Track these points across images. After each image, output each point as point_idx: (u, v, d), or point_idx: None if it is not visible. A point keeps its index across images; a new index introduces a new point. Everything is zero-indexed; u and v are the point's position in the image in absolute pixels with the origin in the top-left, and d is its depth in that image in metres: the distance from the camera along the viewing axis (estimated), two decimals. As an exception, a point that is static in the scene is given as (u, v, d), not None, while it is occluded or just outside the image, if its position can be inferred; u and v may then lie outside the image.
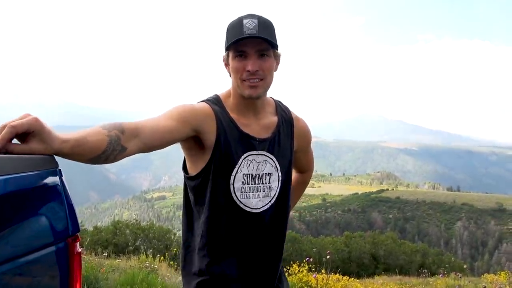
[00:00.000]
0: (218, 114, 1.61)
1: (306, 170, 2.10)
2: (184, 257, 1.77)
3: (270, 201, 1.70)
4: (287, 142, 1.76)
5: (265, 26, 1.56)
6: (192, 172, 1.66)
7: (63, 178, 1.21)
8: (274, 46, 1.57)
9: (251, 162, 1.64)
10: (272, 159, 1.69)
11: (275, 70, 1.64)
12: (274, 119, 1.75)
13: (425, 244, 42.63)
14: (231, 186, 1.61)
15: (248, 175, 1.64)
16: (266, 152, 1.68)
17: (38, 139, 1.11)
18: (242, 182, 1.63)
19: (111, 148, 1.31)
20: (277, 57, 1.63)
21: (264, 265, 1.73)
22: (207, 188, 1.62)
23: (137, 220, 25.05)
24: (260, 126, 1.70)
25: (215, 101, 1.67)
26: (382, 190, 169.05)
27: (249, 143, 1.64)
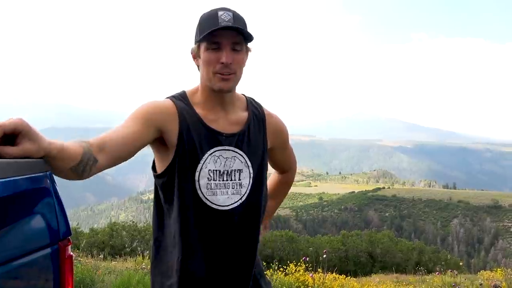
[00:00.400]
0: (182, 111, 1.58)
1: (287, 169, 2.01)
2: (155, 256, 1.72)
3: (240, 198, 1.64)
4: (259, 138, 1.71)
5: (240, 19, 1.53)
6: (159, 170, 1.63)
7: (54, 181, 1.20)
8: (250, 38, 1.54)
9: (218, 158, 1.60)
10: (241, 155, 1.64)
11: (244, 65, 1.61)
12: (244, 114, 1.69)
13: (422, 242, 42.90)
14: (197, 183, 1.57)
15: (215, 171, 1.59)
16: (234, 147, 1.62)
17: (28, 139, 1.10)
18: (208, 178, 1.58)
19: (86, 157, 1.30)
20: (247, 52, 1.59)
21: (235, 265, 1.67)
22: (174, 186, 1.58)
23: (133, 222, 25.05)
24: (229, 121, 1.65)
25: (181, 97, 1.63)
26: (379, 189, 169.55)
27: (215, 139, 1.59)
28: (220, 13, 1.51)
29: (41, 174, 1.12)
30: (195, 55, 1.60)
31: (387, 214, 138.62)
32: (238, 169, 1.63)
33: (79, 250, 12.08)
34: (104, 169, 1.41)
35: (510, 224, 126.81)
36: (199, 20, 1.57)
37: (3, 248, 1.00)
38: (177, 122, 1.56)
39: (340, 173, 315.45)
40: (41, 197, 1.15)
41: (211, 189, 1.58)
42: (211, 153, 1.58)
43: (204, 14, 1.57)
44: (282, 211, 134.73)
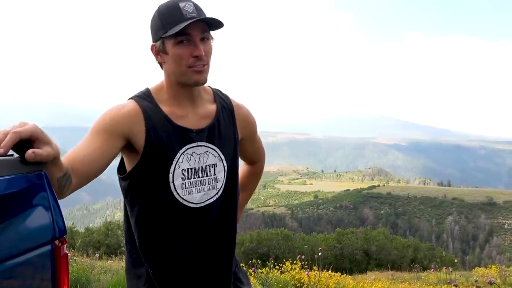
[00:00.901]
0: (147, 111, 1.51)
1: (255, 161, 1.98)
2: (129, 260, 1.67)
3: (216, 193, 1.61)
4: (229, 130, 1.67)
5: (200, 8, 1.48)
6: (125, 172, 1.58)
7: (49, 179, 1.19)
8: (220, 26, 1.49)
9: (191, 155, 1.55)
10: (213, 149, 1.60)
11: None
12: (213, 107, 1.65)
13: (417, 239, 42.96)
14: (171, 184, 1.51)
15: (189, 170, 1.54)
16: (206, 142, 1.58)
17: (45, 144, 1.11)
18: (182, 178, 1.53)
19: (68, 172, 1.29)
20: (212, 41, 1.54)
21: (215, 260, 1.65)
22: (141, 190, 1.54)
23: (129, 221, 24.99)
24: (198, 115, 1.60)
25: (145, 96, 1.56)
26: (374, 186, 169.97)
27: (185, 136, 1.54)
28: (181, 4, 1.44)
29: (36, 172, 1.11)
30: (158, 51, 1.51)
31: (382, 212, 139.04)
32: (212, 164, 1.60)
33: (74, 249, 12.05)
34: (75, 190, 1.37)
35: (504, 221, 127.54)
36: (159, 14, 1.48)
37: None
38: (143, 123, 1.49)
39: (335, 171, 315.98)
40: (37, 196, 1.14)
41: (186, 188, 1.54)
42: (183, 152, 1.54)
43: (162, 6, 1.49)
44: (278, 209, 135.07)
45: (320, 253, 5.84)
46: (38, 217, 1.15)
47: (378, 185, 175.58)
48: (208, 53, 1.50)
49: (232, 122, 1.69)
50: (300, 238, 29.82)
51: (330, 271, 8.98)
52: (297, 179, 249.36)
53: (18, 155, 1.09)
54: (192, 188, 1.56)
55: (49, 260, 1.17)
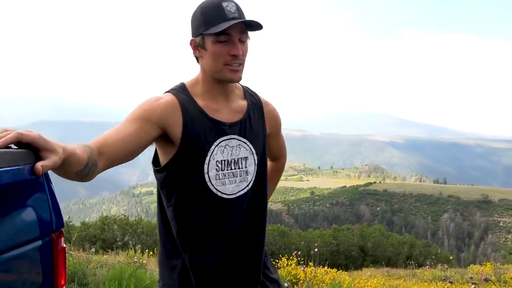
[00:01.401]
0: (184, 104, 1.58)
1: (278, 156, 2.05)
2: (163, 251, 1.72)
3: (247, 185, 1.67)
4: (259, 125, 1.74)
5: (241, 9, 1.55)
6: (162, 164, 1.63)
7: (47, 172, 1.18)
8: (259, 28, 1.55)
9: (225, 148, 1.61)
10: (245, 143, 1.66)
11: None
12: (244, 103, 1.72)
13: (412, 236, 43.15)
14: (206, 175, 1.57)
15: (222, 162, 1.60)
16: (238, 136, 1.65)
17: (51, 152, 1.13)
18: (216, 169, 1.59)
19: (90, 162, 1.32)
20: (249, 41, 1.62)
21: (246, 251, 1.69)
22: (178, 180, 1.59)
23: (125, 216, 24.92)
24: (231, 110, 1.67)
25: (181, 90, 1.63)
26: (370, 183, 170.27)
27: (219, 129, 1.61)
28: (224, 4, 1.51)
29: (32, 165, 1.10)
30: (197, 46, 1.58)
31: (378, 209, 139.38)
32: (244, 157, 1.66)
33: (70, 243, 12.02)
34: (103, 171, 1.42)
35: (499, 219, 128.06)
36: (201, 10, 1.55)
37: None
38: (180, 115, 1.56)
39: (331, 167, 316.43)
40: (34, 188, 1.14)
41: (219, 179, 1.60)
42: (217, 144, 1.59)
43: (205, 3, 1.55)
44: (274, 205, 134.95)
45: (316, 249, 5.83)
46: (35, 210, 1.14)
47: (375, 182, 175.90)
48: (245, 53, 1.56)
49: (261, 117, 1.76)
50: (296, 234, 29.81)
51: (326, 267, 9.00)
52: (294, 175, 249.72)
53: (16, 147, 1.08)
54: (225, 180, 1.61)
55: (47, 253, 1.16)
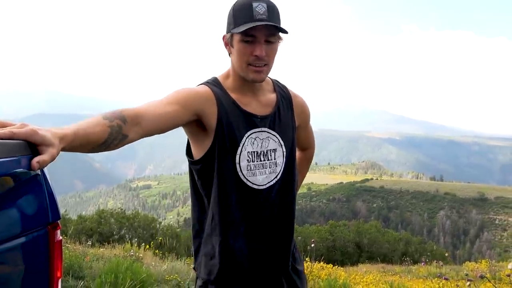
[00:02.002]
0: (219, 96, 1.64)
1: (307, 147, 2.11)
2: (196, 241, 1.79)
3: (276, 177, 1.71)
4: (288, 118, 1.79)
5: (273, 10, 1.57)
6: (197, 156, 1.68)
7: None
8: (283, 32, 1.58)
9: (255, 139, 1.66)
10: (275, 135, 1.71)
11: (275, 55, 1.67)
12: (273, 96, 1.78)
13: (408, 232, 43.20)
14: (237, 165, 1.63)
15: (253, 153, 1.66)
16: (268, 128, 1.70)
17: (48, 146, 1.11)
18: (248, 160, 1.64)
19: (112, 138, 1.32)
20: (279, 41, 1.64)
21: (275, 242, 1.74)
22: (213, 170, 1.64)
23: (122, 209, 24.89)
24: (260, 104, 1.72)
25: (215, 83, 1.69)
26: (367, 180, 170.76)
27: (251, 121, 1.66)
28: (254, 4, 1.53)
29: (29, 156, 1.09)
30: (228, 43, 1.64)
31: (374, 205, 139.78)
32: (273, 149, 1.71)
33: (67, 236, 12.03)
34: (135, 141, 1.45)
35: (495, 217, 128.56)
36: (233, 8, 1.59)
37: None
38: (215, 106, 1.61)
39: (329, 163, 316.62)
40: (29, 180, 1.13)
41: (250, 170, 1.65)
42: (249, 136, 1.65)
43: (238, 2, 1.59)
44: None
45: (313, 245, 5.86)
46: (31, 201, 1.13)
47: (371, 179, 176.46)
48: (271, 55, 1.60)
49: (291, 110, 1.81)
50: (292, 230, 29.84)
51: (322, 263, 9.04)
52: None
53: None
54: (256, 171, 1.66)
55: (42, 246, 1.16)
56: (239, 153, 1.63)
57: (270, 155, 1.70)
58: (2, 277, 1.02)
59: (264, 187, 1.68)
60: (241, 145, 1.63)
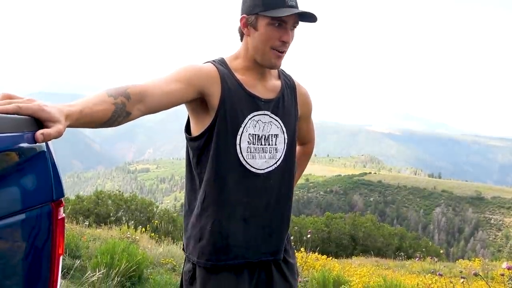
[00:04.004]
0: (224, 75, 1.61)
1: (307, 141, 2.07)
2: (187, 221, 1.74)
3: (275, 162, 1.69)
4: (292, 106, 1.76)
5: None
6: (195, 133, 1.65)
7: (49, 141, 1.16)
8: (314, 21, 1.58)
9: (257, 122, 1.64)
10: (277, 121, 1.69)
11: None
12: (278, 82, 1.75)
13: (403, 228, 43.37)
14: (237, 146, 1.60)
15: (254, 135, 1.63)
16: (271, 113, 1.67)
17: (55, 122, 1.10)
18: (248, 142, 1.62)
19: (116, 115, 1.32)
20: None
21: (270, 230, 1.71)
22: (210, 149, 1.61)
23: (119, 191, 24.94)
24: (265, 88, 1.70)
25: (221, 63, 1.67)
26: (365, 173, 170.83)
27: (254, 103, 1.64)
28: None
29: (35, 132, 1.08)
30: (248, 24, 1.60)
31: (371, 199, 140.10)
32: (274, 134, 1.68)
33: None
34: (139, 117, 1.44)
35: (491, 216, 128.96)
36: None
37: None
38: (219, 85, 1.58)
39: (328, 155, 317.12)
40: (34, 156, 1.12)
41: (250, 152, 1.62)
42: (251, 118, 1.62)
43: None
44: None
45: (309, 235, 5.88)
46: (35, 178, 1.14)
47: (370, 173, 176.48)
48: (291, 41, 1.61)
49: (294, 98, 1.79)
50: (289, 220, 29.96)
51: (316, 254, 9.09)
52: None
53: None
54: (255, 154, 1.64)
55: (45, 222, 1.16)
56: (240, 134, 1.60)
57: (272, 140, 1.68)
58: (5, 252, 1.03)
59: (263, 171, 1.65)
60: (242, 126, 1.61)
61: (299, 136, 1.90)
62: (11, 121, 1.03)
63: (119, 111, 1.32)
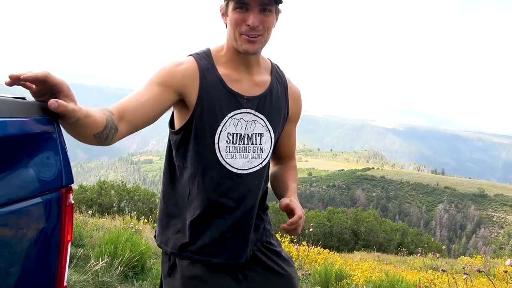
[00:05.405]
0: (204, 71, 1.55)
1: (288, 155, 1.90)
2: (164, 212, 1.71)
3: (261, 162, 1.63)
4: (281, 103, 1.68)
5: None
6: (176, 127, 1.61)
7: (60, 126, 1.16)
8: (277, 1, 1.49)
9: (239, 121, 1.57)
10: (262, 119, 1.62)
11: (274, 27, 1.55)
12: (267, 78, 1.67)
13: (405, 223, 43.41)
14: (216, 145, 1.54)
15: (234, 134, 1.57)
16: (255, 111, 1.60)
17: (71, 100, 1.10)
18: (227, 141, 1.56)
19: (109, 126, 1.30)
20: (277, 13, 1.55)
21: (242, 227, 1.65)
22: (189, 146, 1.57)
23: (123, 182, 25.01)
24: (252, 82, 1.62)
25: (204, 55, 1.59)
26: (368, 169, 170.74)
27: (235, 101, 1.56)
28: None
29: (46, 117, 1.09)
30: (224, 13, 1.56)
31: (374, 194, 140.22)
32: (259, 133, 1.62)
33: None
34: (125, 137, 1.40)
35: (493, 214, 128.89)
36: None
37: (2, 191, 0.98)
38: (197, 82, 1.53)
39: (331, 150, 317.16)
40: (45, 141, 1.12)
41: (229, 152, 1.56)
42: (232, 116, 1.56)
43: None
44: (269, 183, 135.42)
45: (311, 229, 5.90)
46: (46, 163, 1.13)
47: (373, 168, 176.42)
48: (266, 25, 1.49)
49: (285, 96, 1.70)
50: (291, 213, 29.99)
51: (318, 248, 9.10)
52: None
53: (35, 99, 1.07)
54: (236, 153, 1.58)
55: (55, 208, 1.16)
56: (218, 133, 1.54)
57: (256, 139, 1.61)
58: (15, 236, 1.03)
59: (245, 172, 1.59)
60: (221, 124, 1.54)
61: (279, 148, 1.81)
62: (23, 105, 1.02)
63: (111, 123, 1.30)
